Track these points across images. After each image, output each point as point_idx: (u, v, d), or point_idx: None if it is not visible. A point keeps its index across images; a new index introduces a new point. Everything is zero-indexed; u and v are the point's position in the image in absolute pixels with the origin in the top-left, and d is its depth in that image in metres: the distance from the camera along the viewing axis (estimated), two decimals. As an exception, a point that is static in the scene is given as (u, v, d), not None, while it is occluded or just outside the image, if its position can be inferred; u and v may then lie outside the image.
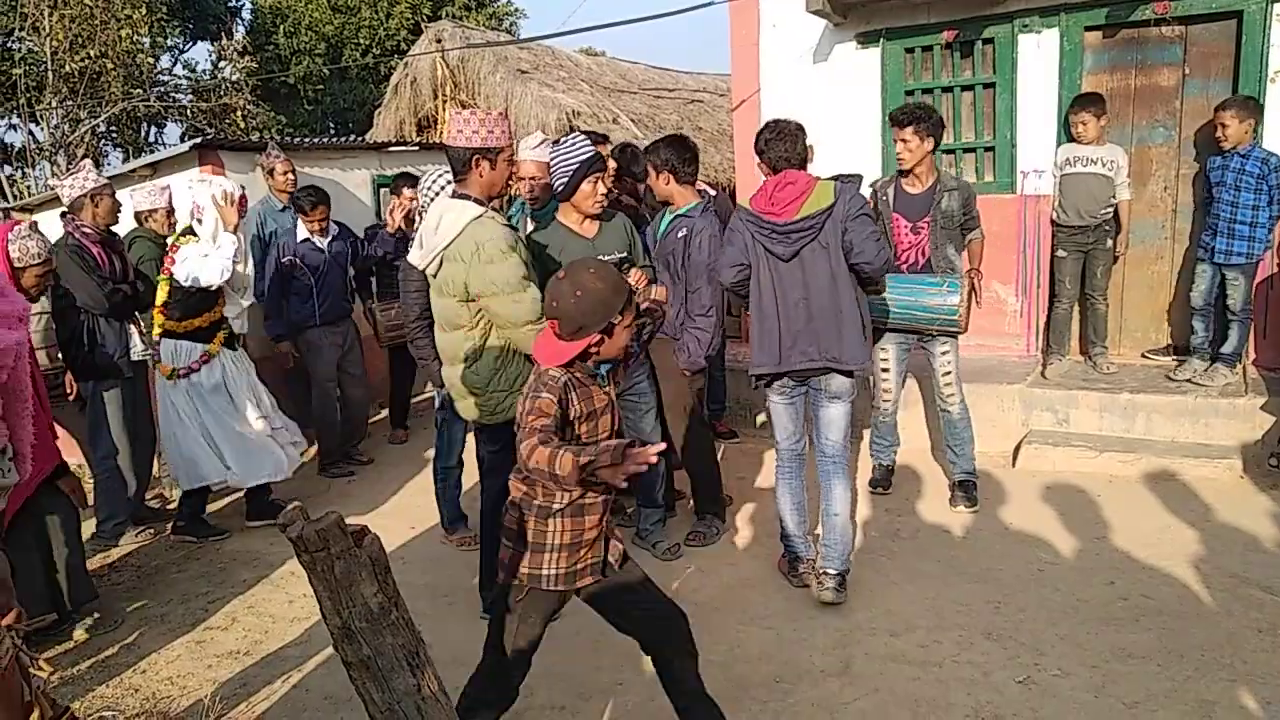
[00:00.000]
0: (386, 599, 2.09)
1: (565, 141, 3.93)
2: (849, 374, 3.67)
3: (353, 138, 9.98)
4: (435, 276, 3.40)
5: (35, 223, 4.60)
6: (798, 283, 3.59)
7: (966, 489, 4.62)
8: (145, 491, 5.33)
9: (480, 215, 3.30)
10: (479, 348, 3.41)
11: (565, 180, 3.85)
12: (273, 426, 5.07)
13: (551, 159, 3.92)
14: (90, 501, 4.65)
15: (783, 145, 3.67)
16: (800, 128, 3.73)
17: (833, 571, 3.67)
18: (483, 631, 3.61)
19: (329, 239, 5.90)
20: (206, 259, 4.65)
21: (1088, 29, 5.63)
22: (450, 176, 3.73)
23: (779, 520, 3.95)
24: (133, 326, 4.99)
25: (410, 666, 2.11)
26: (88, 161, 5.04)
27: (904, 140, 4.39)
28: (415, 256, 3.46)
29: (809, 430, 3.89)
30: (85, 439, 5.07)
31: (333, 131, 19.01)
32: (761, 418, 5.91)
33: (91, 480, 5.01)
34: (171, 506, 5.60)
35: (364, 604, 2.04)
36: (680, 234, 4.19)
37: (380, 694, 2.08)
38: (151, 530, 5.08)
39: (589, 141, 3.94)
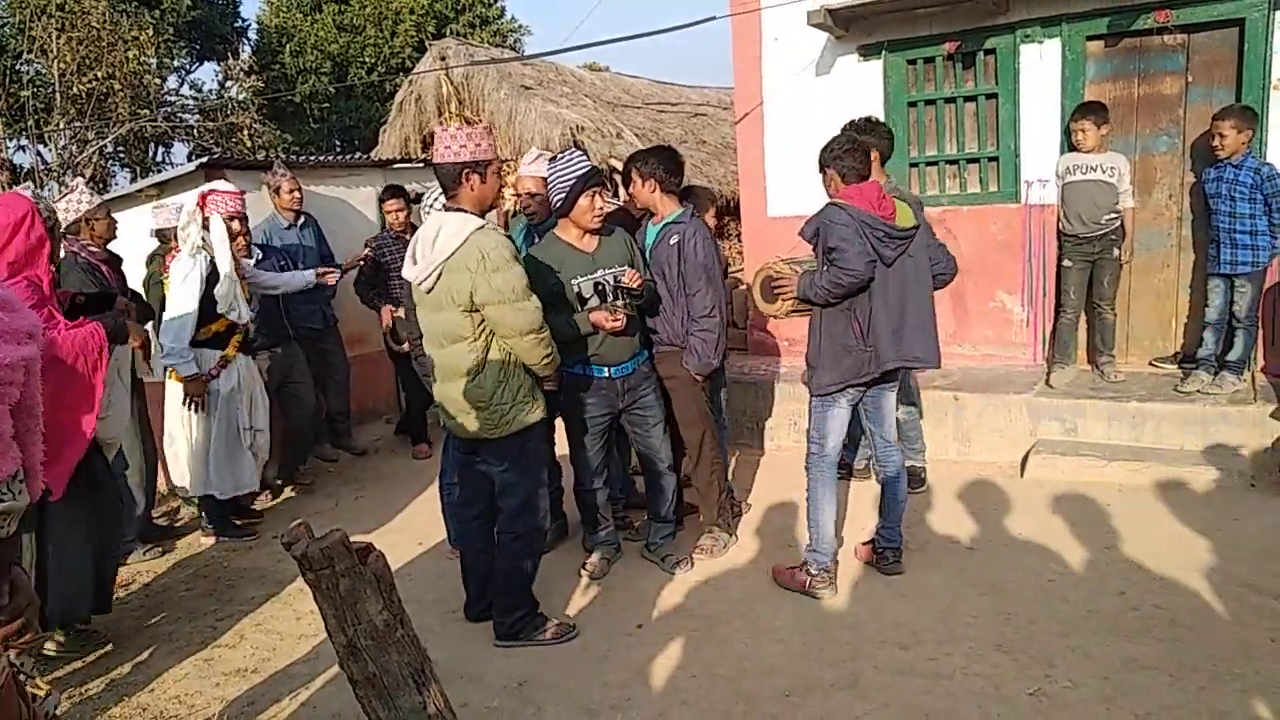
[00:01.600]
0: (392, 616, 2.09)
1: (562, 157, 3.95)
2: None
3: (358, 155, 10.03)
4: (430, 291, 3.38)
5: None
6: (896, 286, 3.67)
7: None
8: (152, 510, 5.33)
9: (482, 225, 3.34)
10: (482, 360, 3.41)
11: (563, 196, 3.87)
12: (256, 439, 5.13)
13: (549, 174, 3.94)
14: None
15: (853, 159, 3.72)
16: (868, 147, 3.84)
17: (898, 545, 4.02)
18: (489, 648, 3.63)
19: (253, 261, 5.57)
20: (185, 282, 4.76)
21: (1089, 38, 5.64)
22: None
23: (814, 529, 3.89)
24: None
25: (416, 684, 2.11)
26: (79, 182, 5.06)
27: None
28: (410, 272, 3.44)
29: None
30: None
31: (338, 149, 19.11)
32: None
33: None
34: (180, 524, 5.61)
35: (369, 621, 2.04)
36: (672, 241, 4.19)
37: (386, 712, 2.08)
38: (159, 549, 5.09)
39: (585, 156, 3.96)
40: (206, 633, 4.06)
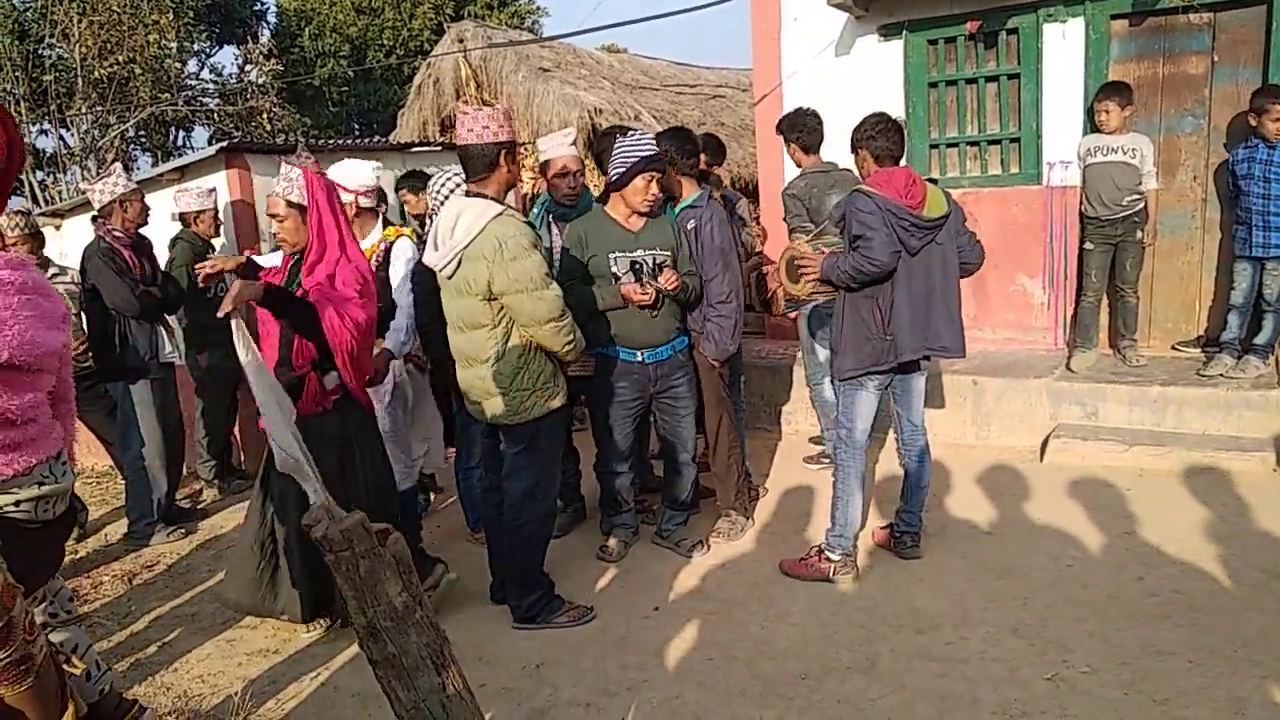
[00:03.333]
0: (411, 598, 2.11)
1: (633, 134, 3.96)
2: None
3: (377, 139, 10.04)
4: (451, 277, 3.39)
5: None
6: (921, 275, 3.65)
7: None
8: (176, 491, 5.40)
9: (501, 213, 3.32)
10: (502, 347, 3.41)
11: (622, 171, 3.87)
12: None
13: (616, 147, 3.94)
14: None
15: (887, 139, 3.69)
16: (901, 126, 3.81)
17: (917, 529, 4.05)
18: (508, 630, 3.66)
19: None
20: None
21: (1114, 17, 5.56)
22: (460, 178, 3.74)
23: (839, 513, 3.87)
24: (163, 328, 5.04)
25: (435, 665, 2.13)
26: (117, 166, 5.11)
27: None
28: (431, 258, 3.45)
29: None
30: (116, 441, 5.15)
31: (357, 132, 19.17)
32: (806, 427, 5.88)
33: (123, 481, 5.07)
34: (202, 505, 5.68)
35: (388, 603, 2.06)
36: (689, 225, 4.18)
37: (406, 692, 2.10)
38: (183, 530, 5.15)
39: (653, 140, 3.95)
40: (229, 614, 4.10)
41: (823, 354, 4.97)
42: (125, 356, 4.86)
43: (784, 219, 5.02)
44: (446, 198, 3.81)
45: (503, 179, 3.43)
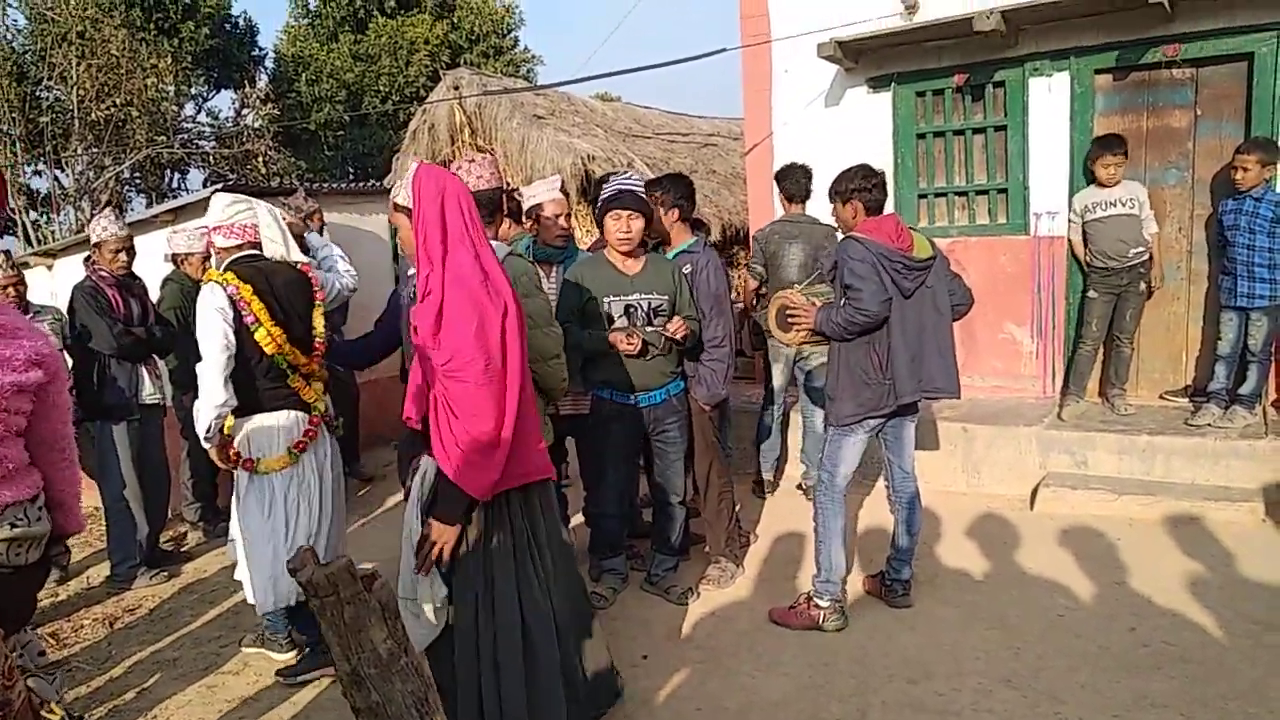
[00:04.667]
0: (396, 645, 2.08)
1: (614, 176, 4.03)
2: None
3: (371, 183, 10.11)
4: None
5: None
6: (914, 318, 3.69)
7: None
8: (159, 534, 5.34)
9: (510, 252, 3.38)
10: None
11: (597, 212, 3.94)
12: None
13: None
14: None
15: (880, 191, 3.77)
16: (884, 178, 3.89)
17: (907, 578, 4.01)
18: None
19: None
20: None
21: (1098, 71, 5.66)
22: None
23: (823, 559, 3.85)
24: (145, 369, 5.02)
25: (419, 714, 2.09)
26: (109, 210, 5.12)
27: None
28: None
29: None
30: (97, 479, 5.11)
31: (352, 177, 19.29)
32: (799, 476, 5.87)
33: (104, 523, 5.02)
34: (186, 548, 5.61)
35: (373, 650, 2.03)
36: (685, 270, 4.21)
37: (389, 741, 2.06)
38: (166, 573, 5.09)
39: (630, 179, 4.00)
40: (210, 659, 4.05)
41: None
42: (104, 396, 4.85)
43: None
44: None
45: (499, 222, 3.51)
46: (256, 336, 3.49)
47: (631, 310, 3.96)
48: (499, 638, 2.71)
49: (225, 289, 3.48)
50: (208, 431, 3.46)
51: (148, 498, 5.07)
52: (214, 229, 3.69)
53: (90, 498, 5.75)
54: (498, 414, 2.49)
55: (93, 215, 13.98)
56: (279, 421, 3.62)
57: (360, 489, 6.60)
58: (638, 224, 3.93)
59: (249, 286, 3.50)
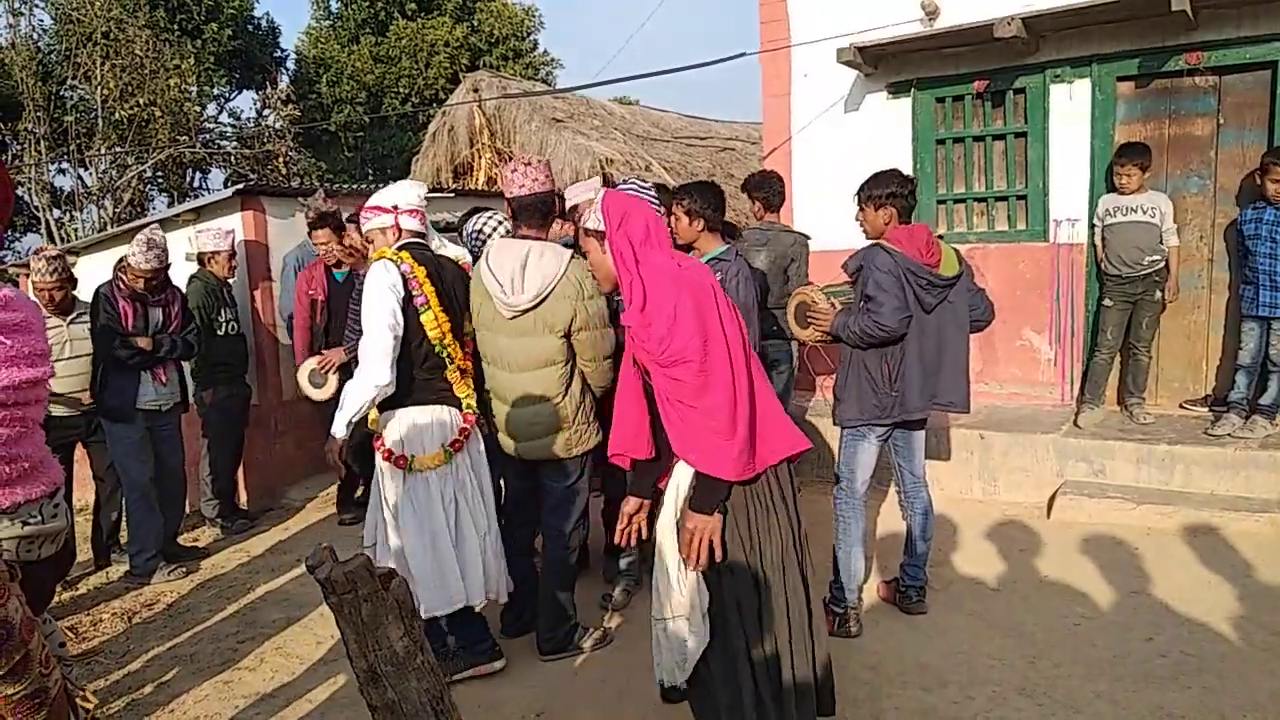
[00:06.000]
0: (413, 643, 2.09)
1: (623, 184, 4.04)
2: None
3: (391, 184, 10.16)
4: (521, 315, 3.44)
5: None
6: (933, 333, 3.69)
7: None
8: (177, 531, 5.39)
9: (574, 255, 3.49)
10: (568, 383, 3.53)
11: None
12: None
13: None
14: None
15: (912, 199, 3.76)
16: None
17: (922, 584, 4.01)
18: (509, 677, 3.61)
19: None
20: None
21: (1120, 79, 5.64)
22: (498, 219, 3.90)
23: (844, 566, 3.82)
24: (150, 375, 5.05)
25: (435, 711, 2.11)
26: (148, 238, 4.98)
27: None
28: (511, 297, 3.43)
29: None
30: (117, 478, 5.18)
31: (371, 178, 19.39)
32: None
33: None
34: (203, 545, 5.65)
35: (390, 647, 2.05)
36: (716, 278, 4.20)
37: (404, 739, 2.08)
38: (184, 569, 5.13)
39: (628, 184, 4.00)
40: (227, 654, 4.08)
41: None
42: (104, 397, 4.95)
43: None
44: (486, 238, 3.88)
45: (551, 223, 3.64)
46: (423, 319, 3.36)
47: None
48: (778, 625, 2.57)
49: (400, 266, 3.36)
50: (353, 416, 3.26)
51: (161, 497, 5.14)
52: (406, 211, 3.53)
53: (84, 495, 5.76)
54: (728, 387, 2.46)
55: (116, 214, 14.17)
56: (432, 417, 3.44)
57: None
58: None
59: (422, 269, 3.40)
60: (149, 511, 5.04)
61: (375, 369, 3.25)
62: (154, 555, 5.05)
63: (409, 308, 3.34)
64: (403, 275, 3.34)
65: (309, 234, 5.80)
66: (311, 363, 4.47)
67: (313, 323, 5.66)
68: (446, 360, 3.46)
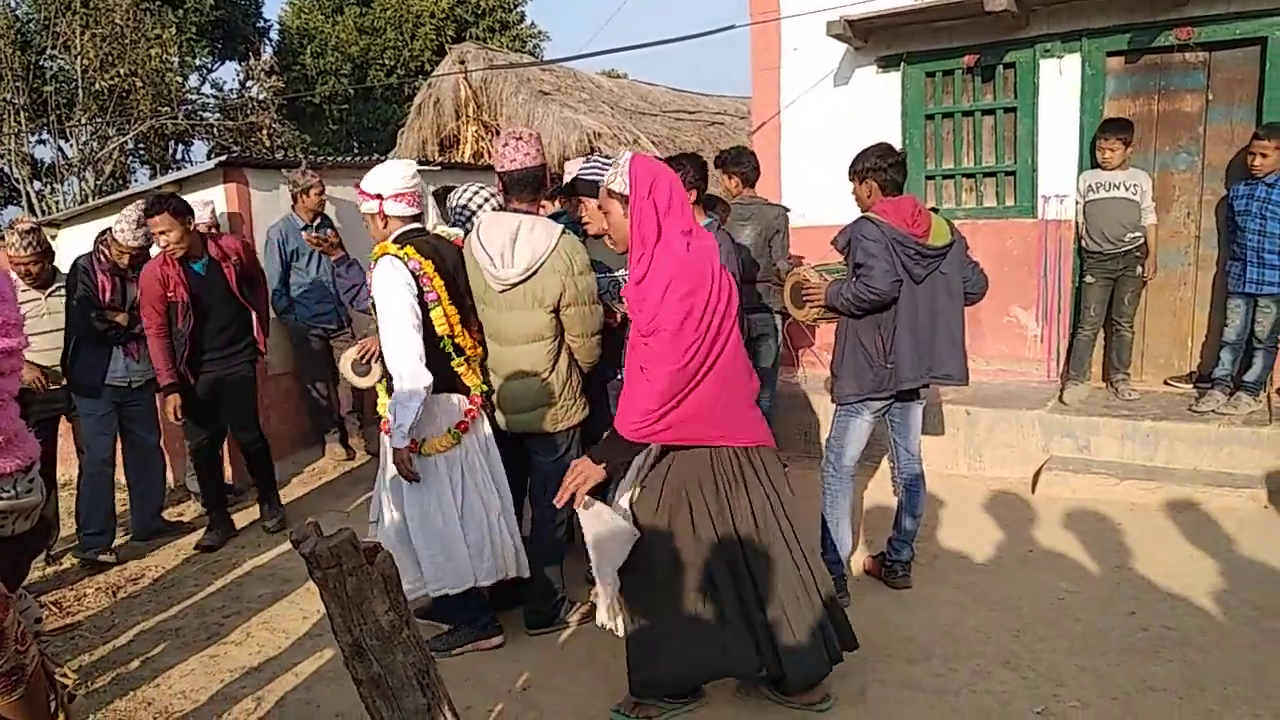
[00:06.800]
0: (398, 617, 2.08)
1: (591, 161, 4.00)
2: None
3: (376, 157, 10.07)
4: (510, 289, 3.43)
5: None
6: (925, 303, 3.68)
7: None
8: (159, 507, 5.35)
9: (564, 230, 3.47)
10: (555, 358, 3.53)
11: None
12: None
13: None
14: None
15: (897, 172, 3.74)
16: (905, 158, 3.86)
17: (908, 559, 4.05)
18: (495, 653, 3.62)
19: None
20: None
21: (1110, 54, 5.62)
22: (486, 193, 3.83)
23: (829, 540, 3.85)
24: (122, 351, 4.96)
25: (421, 685, 2.10)
26: (136, 211, 4.81)
27: None
28: (501, 270, 3.41)
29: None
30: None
31: (356, 150, 19.20)
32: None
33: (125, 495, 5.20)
34: (187, 520, 5.62)
35: (375, 621, 2.04)
36: None
37: (390, 712, 2.08)
38: (115, 555, 4.96)
39: (590, 164, 3.95)
40: (214, 629, 4.07)
41: None
42: (73, 370, 4.88)
43: None
44: (473, 211, 3.83)
45: (542, 198, 3.64)
46: (432, 315, 3.34)
47: (601, 284, 3.95)
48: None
49: (408, 264, 3.28)
50: (408, 426, 3.20)
51: (140, 477, 5.13)
52: (393, 196, 3.39)
53: (68, 470, 5.71)
54: (683, 362, 2.66)
55: (97, 186, 13.98)
56: (441, 403, 3.41)
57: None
58: (590, 208, 3.78)
59: (430, 263, 3.32)
60: (100, 490, 4.94)
61: (414, 373, 3.22)
62: (99, 532, 4.95)
63: (420, 304, 3.33)
64: (412, 272, 3.30)
65: (147, 219, 4.78)
66: (352, 353, 4.35)
67: (172, 329, 4.78)
68: (454, 352, 3.44)
